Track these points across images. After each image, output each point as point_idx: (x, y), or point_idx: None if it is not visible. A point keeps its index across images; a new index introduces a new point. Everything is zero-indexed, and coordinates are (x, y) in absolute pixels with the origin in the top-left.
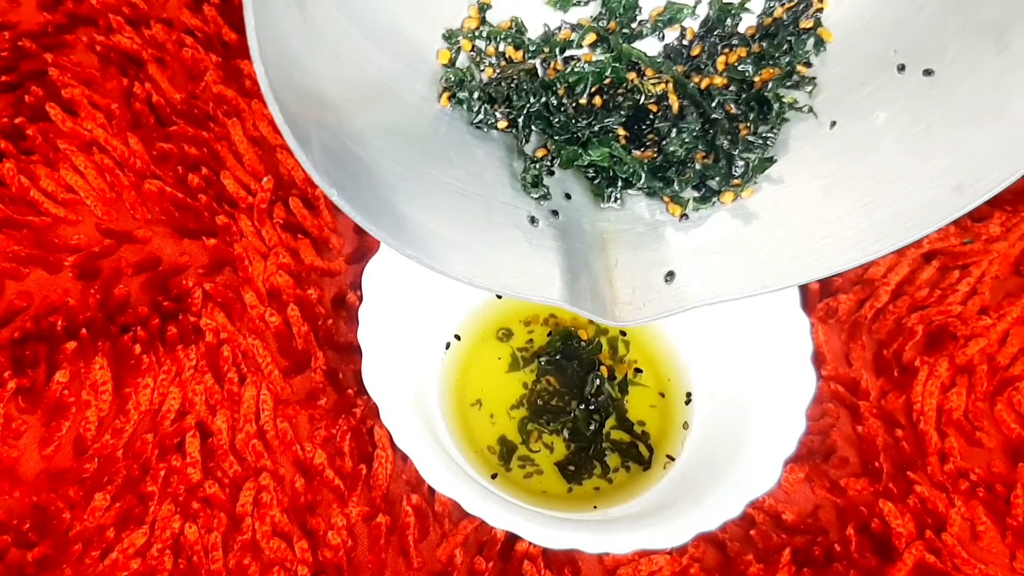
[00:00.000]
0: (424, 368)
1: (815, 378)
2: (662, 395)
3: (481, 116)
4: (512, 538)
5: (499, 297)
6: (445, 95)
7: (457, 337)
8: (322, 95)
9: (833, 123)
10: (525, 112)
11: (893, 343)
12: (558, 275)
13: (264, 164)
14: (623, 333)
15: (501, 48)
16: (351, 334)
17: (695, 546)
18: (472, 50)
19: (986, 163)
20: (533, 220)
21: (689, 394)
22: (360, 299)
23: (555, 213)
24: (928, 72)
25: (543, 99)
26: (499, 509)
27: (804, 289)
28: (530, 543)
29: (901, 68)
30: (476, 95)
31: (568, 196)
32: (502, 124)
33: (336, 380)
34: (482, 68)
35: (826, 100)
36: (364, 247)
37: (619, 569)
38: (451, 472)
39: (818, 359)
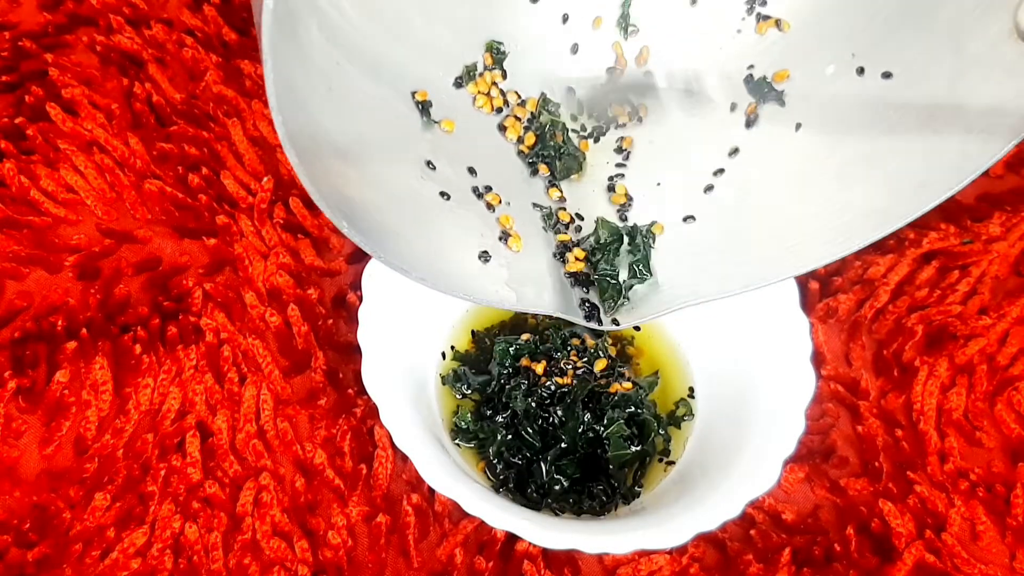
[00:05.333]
0: (424, 368)
1: (815, 378)
2: (657, 409)
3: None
4: (512, 538)
5: None
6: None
7: None
8: (326, 134)
9: (798, 125)
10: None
11: (893, 343)
12: (550, 285)
13: (264, 164)
14: (637, 328)
15: None
16: (351, 334)
17: (695, 546)
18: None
19: (946, 162)
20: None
21: (692, 388)
22: (360, 299)
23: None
24: (887, 75)
25: None
26: (498, 509)
27: (804, 289)
28: (530, 543)
29: (860, 71)
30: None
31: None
32: None
33: (336, 380)
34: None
35: (791, 101)
36: None
37: (619, 569)
38: (450, 472)
39: (818, 359)
